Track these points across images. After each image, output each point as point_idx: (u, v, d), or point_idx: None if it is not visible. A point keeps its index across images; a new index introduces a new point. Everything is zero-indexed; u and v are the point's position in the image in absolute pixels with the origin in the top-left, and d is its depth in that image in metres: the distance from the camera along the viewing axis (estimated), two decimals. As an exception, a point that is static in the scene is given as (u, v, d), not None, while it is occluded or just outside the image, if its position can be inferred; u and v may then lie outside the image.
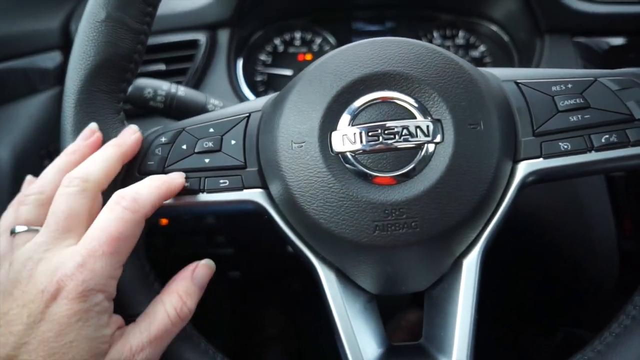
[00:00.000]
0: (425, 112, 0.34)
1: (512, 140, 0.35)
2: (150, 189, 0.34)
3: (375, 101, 0.34)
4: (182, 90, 0.54)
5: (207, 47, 0.73)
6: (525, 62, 0.75)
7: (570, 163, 0.34)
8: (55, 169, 0.36)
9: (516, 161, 0.35)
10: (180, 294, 0.34)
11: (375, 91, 0.34)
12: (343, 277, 0.36)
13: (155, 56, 0.72)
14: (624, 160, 0.34)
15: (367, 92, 0.34)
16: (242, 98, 0.73)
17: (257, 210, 0.37)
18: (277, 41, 0.86)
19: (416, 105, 0.34)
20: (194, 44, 0.73)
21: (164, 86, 0.53)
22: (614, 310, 0.37)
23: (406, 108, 0.34)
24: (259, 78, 0.86)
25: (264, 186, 0.37)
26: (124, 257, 0.32)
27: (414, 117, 0.34)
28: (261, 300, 1.03)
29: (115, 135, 0.38)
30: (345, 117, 0.34)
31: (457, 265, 0.35)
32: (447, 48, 0.85)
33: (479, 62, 0.84)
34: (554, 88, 0.36)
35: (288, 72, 0.85)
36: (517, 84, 0.37)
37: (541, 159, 0.35)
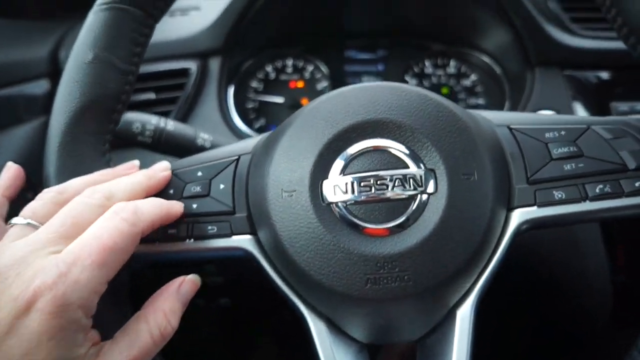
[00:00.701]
0: (418, 161, 0.33)
1: (506, 187, 0.35)
2: (152, 207, 0.32)
3: (367, 149, 0.34)
4: (171, 125, 0.53)
5: (198, 75, 0.73)
6: (517, 94, 0.75)
7: (565, 212, 0.34)
8: (84, 180, 0.35)
9: (510, 209, 0.35)
10: (165, 312, 0.32)
11: (367, 139, 0.34)
12: (333, 326, 0.35)
13: (145, 85, 0.72)
14: (618, 211, 0.34)
15: (359, 140, 0.34)
16: (232, 128, 0.73)
17: (246, 257, 0.36)
18: (269, 68, 0.86)
19: (409, 154, 0.33)
20: (184, 72, 0.73)
21: (153, 120, 0.52)
22: (611, 346, 0.36)
23: (399, 157, 0.33)
24: (250, 105, 0.86)
25: (253, 232, 0.36)
26: (111, 273, 0.29)
27: (407, 167, 0.33)
28: (253, 329, 1.01)
29: None
30: (337, 166, 0.33)
31: (450, 316, 0.34)
32: (439, 77, 0.85)
33: (470, 91, 0.84)
34: (547, 135, 0.36)
35: (279, 100, 0.85)
36: (510, 129, 0.37)
37: (535, 208, 0.34)
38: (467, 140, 0.34)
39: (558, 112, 0.68)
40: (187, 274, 0.36)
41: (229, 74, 0.78)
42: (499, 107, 0.79)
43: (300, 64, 0.86)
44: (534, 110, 0.68)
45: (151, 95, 0.71)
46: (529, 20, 0.68)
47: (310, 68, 0.86)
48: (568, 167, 0.34)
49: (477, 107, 0.83)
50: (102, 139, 0.38)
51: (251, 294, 0.87)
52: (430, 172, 0.33)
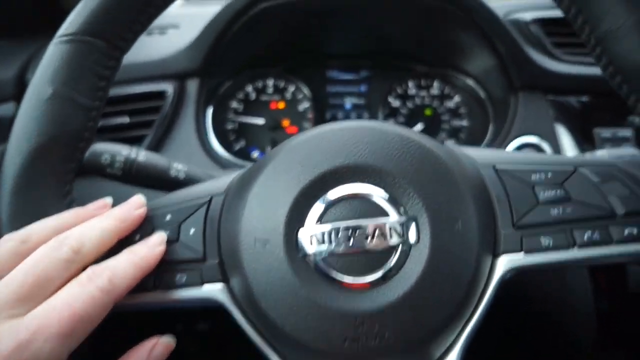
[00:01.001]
0: (399, 209, 0.31)
1: (492, 232, 0.33)
2: (128, 268, 0.30)
3: (346, 196, 0.32)
4: (142, 155, 0.50)
5: (175, 97, 0.70)
6: (501, 117, 0.75)
7: (553, 260, 0.32)
8: (49, 225, 0.31)
9: (495, 255, 0.33)
10: None
11: (346, 184, 0.32)
12: None
13: (119, 108, 0.69)
14: (607, 258, 0.33)
15: (337, 186, 0.32)
16: (210, 152, 0.70)
17: (217, 307, 0.34)
18: (249, 89, 0.84)
19: (390, 200, 0.31)
20: (161, 94, 0.70)
21: (123, 151, 0.50)
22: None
23: (379, 204, 0.31)
24: (229, 126, 0.83)
25: (225, 279, 0.33)
26: (76, 344, 0.26)
27: (388, 215, 0.31)
28: (232, 356, 0.97)
29: None
30: (314, 213, 0.31)
31: None
32: (422, 98, 0.84)
33: (453, 112, 0.83)
34: (533, 177, 0.35)
35: (260, 121, 0.83)
36: (496, 170, 0.36)
37: (522, 254, 0.33)
38: (450, 185, 0.32)
39: (541, 137, 0.67)
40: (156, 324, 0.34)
41: (207, 95, 0.76)
42: (483, 129, 0.79)
43: (282, 84, 0.84)
44: (518, 135, 0.68)
45: (125, 119, 0.68)
46: (512, 45, 0.67)
47: (291, 89, 0.84)
48: (555, 211, 0.33)
49: (460, 129, 0.82)
50: (62, 180, 0.35)
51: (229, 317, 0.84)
52: (412, 221, 0.31)
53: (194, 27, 0.74)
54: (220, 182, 0.38)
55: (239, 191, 0.35)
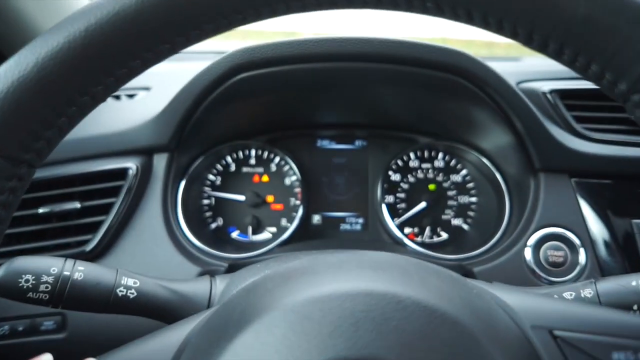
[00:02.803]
0: None
1: None
2: None
3: None
4: (79, 272, 0.39)
5: (138, 177, 0.60)
6: (517, 199, 0.65)
7: None
8: None
9: None
10: None
11: None
12: None
13: (69, 190, 0.58)
14: None
15: None
16: (178, 241, 0.59)
17: None
18: (228, 159, 0.74)
19: None
20: (122, 173, 0.59)
21: (53, 268, 0.38)
22: None
23: None
24: (205, 202, 0.73)
25: None
26: None
27: None
28: None
29: None
30: None
31: None
32: (425, 171, 0.74)
33: (460, 187, 0.73)
34: (616, 356, 0.24)
35: (240, 198, 0.72)
36: (554, 336, 0.25)
37: None
38: None
39: (568, 228, 0.57)
40: None
41: (177, 170, 0.65)
42: (496, 207, 0.68)
43: (265, 154, 0.74)
44: (542, 227, 0.57)
45: (75, 205, 0.57)
46: (531, 121, 0.58)
47: (276, 159, 0.74)
48: None
49: (469, 206, 0.72)
50: None
51: None
52: None
53: (168, 91, 0.64)
54: (172, 336, 0.27)
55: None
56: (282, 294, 0.25)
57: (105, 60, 0.26)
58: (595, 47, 0.23)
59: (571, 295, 0.41)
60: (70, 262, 0.40)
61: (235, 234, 0.73)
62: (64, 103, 0.26)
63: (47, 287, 0.38)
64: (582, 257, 0.56)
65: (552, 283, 0.56)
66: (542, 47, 0.25)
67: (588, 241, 0.57)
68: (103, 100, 0.28)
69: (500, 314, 0.26)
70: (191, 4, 0.25)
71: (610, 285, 0.40)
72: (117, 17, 0.25)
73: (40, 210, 0.56)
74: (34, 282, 0.37)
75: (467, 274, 0.58)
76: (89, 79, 0.26)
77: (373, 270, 0.26)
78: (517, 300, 0.28)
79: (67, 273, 0.39)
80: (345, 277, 0.25)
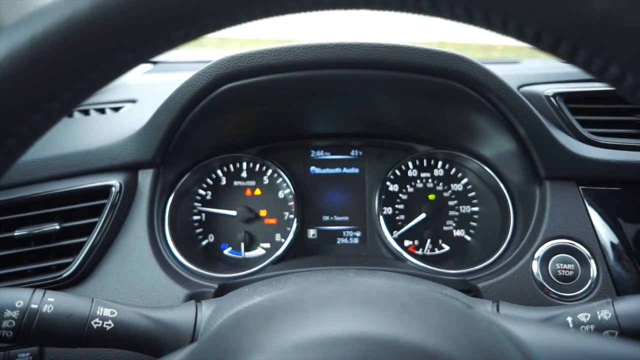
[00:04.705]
0: None
1: None
2: None
3: None
4: (49, 304, 0.36)
5: (122, 194, 0.56)
6: (522, 208, 0.61)
7: None
8: None
9: None
10: None
11: None
12: None
13: (46, 211, 0.55)
14: None
15: None
16: (164, 262, 0.55)
17: None
18: (219, 172, 0.71)
19: None
20: (105, 191, 0.56)
21: (18, 301, 0.35)
22: None
23: None
24: (195, 218, 0.69)
25: None
26: None
27: None
28: None
29: None
30: None
31: None
32: (424, 180, 0.71)
33: (461, 197, 0.70)
34: None
35: (232, 213, 0.69)
36: None
37: None
38: None
39: (577, 239, 0.54)
40: None
41: (164, 186, 0.62)
42: (499, 216, 0.65)
43: (257, 167, 0.71)
44: (550, 238, 0.54)
45: (54, 226, 0.54)
46: (536, 127, 0.55)
47: (269, 172, 0.71)
48: None
49: (471, 216, 0.69)
50: None
51: None
52: None
53: (155, 103, 0.60)
54: None
55: None
56: (264, 338, 0.22)
57: (58, 73, 0.23)
58: (614, 48, 0.20)
59: (587, 317, 0.38)
60: (39, 292, 0.37)
61: (227, 251, 0.69)
62: (14, 122, 0.23)
63: (10, 324, 0.34)
64: (593, 269, 0.53)
65: (562, 298, 0.52)
66: (552, 48, 0.21)
67: (599, 253, 0.53)
68: (59, 119, 0.25)
69: (512, 353, 0.23)
70: (155, 8, 0.22)
71: (629, 305, 0.37)
72: (70, 22, 0.21)
73: (17, 233, 0.53)
74: (-3, 317, 0.34)
75: (472, 290, 0.55)
76: (39, 95, 0.23)
77: (367, 307, 0.23)
78: (531, 334, 0.24)
79: (34, 306, 0.36)
80: (335, 317, 0.22)
